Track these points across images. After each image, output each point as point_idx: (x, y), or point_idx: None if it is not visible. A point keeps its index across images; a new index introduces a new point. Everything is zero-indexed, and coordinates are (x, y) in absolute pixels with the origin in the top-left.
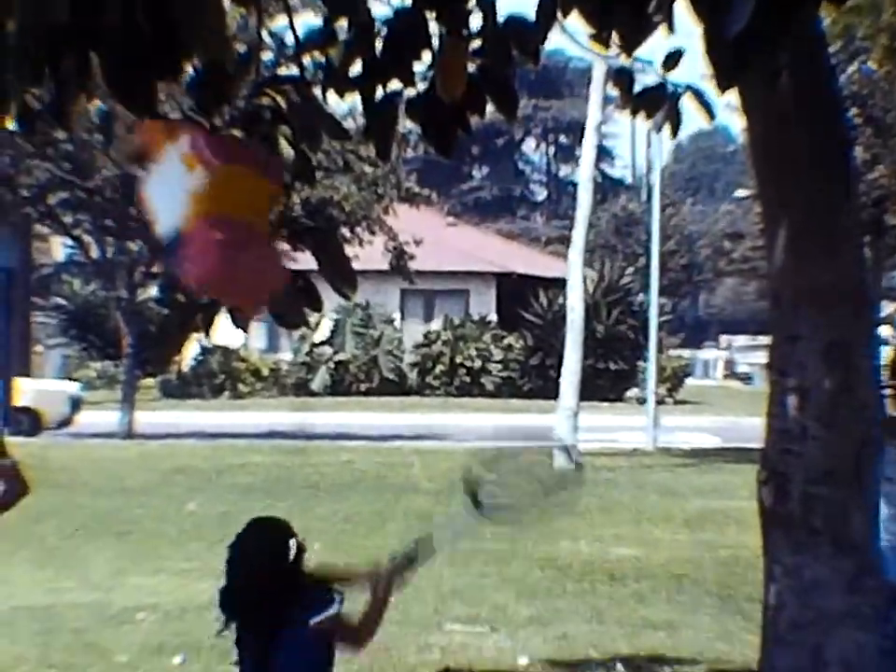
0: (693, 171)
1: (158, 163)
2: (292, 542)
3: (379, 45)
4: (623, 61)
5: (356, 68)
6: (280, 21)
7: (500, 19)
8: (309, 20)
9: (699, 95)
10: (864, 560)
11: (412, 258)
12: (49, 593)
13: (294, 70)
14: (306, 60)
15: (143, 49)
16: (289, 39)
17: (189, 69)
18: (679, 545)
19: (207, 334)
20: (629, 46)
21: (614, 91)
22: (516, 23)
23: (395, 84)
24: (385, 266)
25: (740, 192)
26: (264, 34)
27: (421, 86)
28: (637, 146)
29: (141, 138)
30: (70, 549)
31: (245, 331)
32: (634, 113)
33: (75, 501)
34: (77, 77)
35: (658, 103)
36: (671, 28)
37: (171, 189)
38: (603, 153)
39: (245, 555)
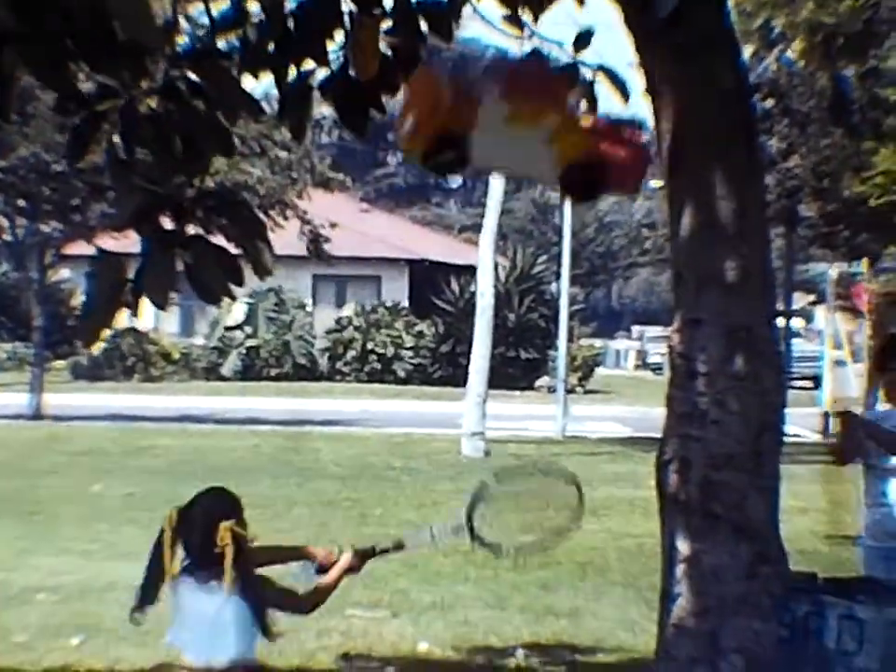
0: None
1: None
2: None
3: (292, 24)
4: (536, 43)
5: (270, 48)
6: (197, 6)
7: None
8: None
9: (612, 75)
10: (763, 547)
11: (327, 240)
12: None
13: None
14: (221, 43)
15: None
16: (205, 21)
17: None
18: (584, 533)
19: (135, 312)
20: (535, 12)
21: None
22: (428, 2)
23: (308, 64)
24: (298, 251)
25: (656, 182)
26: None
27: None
28: None
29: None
30: None
31: (163, 309)
32: None
33: None
34: None
35: (571, 82)
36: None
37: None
38: None
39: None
